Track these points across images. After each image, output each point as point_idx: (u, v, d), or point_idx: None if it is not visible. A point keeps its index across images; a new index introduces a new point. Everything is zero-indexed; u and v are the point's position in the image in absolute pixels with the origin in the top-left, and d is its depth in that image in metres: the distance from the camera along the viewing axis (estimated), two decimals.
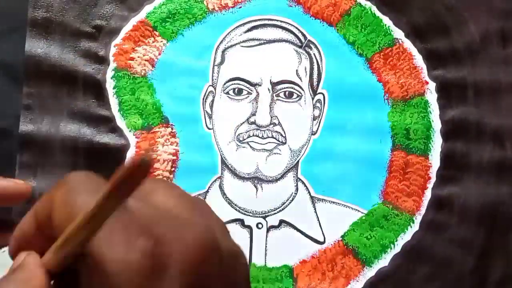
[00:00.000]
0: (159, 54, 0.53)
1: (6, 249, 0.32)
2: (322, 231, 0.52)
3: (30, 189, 0.34)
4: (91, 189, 0.27)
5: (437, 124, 0.54)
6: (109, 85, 0.52)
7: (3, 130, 0.51)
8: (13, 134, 0.51)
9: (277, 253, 0.51)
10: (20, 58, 0.52)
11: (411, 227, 0.52)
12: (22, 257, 0.29)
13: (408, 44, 0.55)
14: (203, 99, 0.53)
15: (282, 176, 0.52)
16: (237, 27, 0.54)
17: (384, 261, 0.52)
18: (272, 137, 0.52)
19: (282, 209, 0.52)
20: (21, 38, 0.52)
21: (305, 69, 0.54)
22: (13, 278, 0.28)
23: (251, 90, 0.53)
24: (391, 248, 0.52)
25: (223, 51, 0.54)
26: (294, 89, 0.53)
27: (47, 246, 0.28)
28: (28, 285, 0.27)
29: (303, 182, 0.52)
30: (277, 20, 0.55)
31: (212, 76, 0.53)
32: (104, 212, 0.24)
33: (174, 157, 0.52)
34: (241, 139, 0.52)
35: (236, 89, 0.53)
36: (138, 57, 0.53)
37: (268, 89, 0.53)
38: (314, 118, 0.53)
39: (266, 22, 0.54)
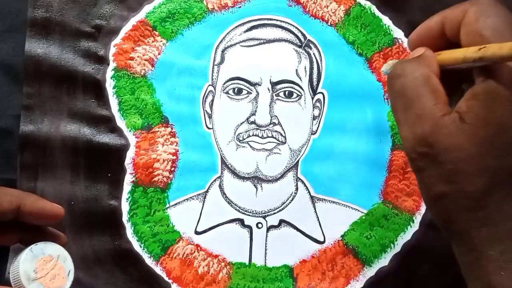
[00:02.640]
0: (159, 53, 0.53)
1: (39, 243, 0.36)
2: (322, 231, 0.52)
3: (63, 211, 0.39)
4: (500, 15, 0.34)
5: None
6: (109, 85, 0.52)
7: (4, 130, 0.51)
8: (14, 134, 0.51)
9: (277, 252, 0.51)
10: (20, 58, 0.52)
11: (411, 226, 0.52)
12: (421, 50, 0.37)
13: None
14: (203, 98, 0.53)
15: (282, 175, 0.52)
16: (236, 26, 0.54)
17: (384, 261, 0.52)
18: (272, 136, 0.52)
19: (282, 209, 0.52)
20: (21, 38, 0.52)
21: (305, 68, 0.54)
22: (413, 61, 0.37)
23: (251, 90, 0.53)
24: (391, 248, 0.52)
25: (222, 51, 0.54)
26: (294, 88, 0.53)
27: (440, 49, 0.36)
28: (426, 67, 0.36)
29: (303, 182, 0.52)
30: (277, 20, 0.55)
31: (212, 75, 0.53)
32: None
33: (174, 157, 0.52)
34: (241, 138, 0.52)
35: (236, 89, 0.53)
36: (138, 56, 0.53)
37: (268, 89, 0.53)
38: (314, 118, 0.53)
39: (266, 22, 0.54)
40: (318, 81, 0.54)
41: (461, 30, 0.36)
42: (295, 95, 0.53)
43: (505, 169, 0.33)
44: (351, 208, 0.53)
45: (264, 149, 0.52)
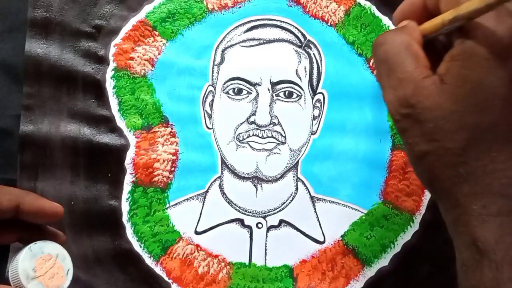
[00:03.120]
0: (159, 53, 0.53)
1: (38, 242, 0.36)
2: (322, 231, 0.52)
3: (63, 210, 0.39)
4: None
5: None
6: (109, 85, 0.52)
7: (4, 130, 0.51)
8: (14, 134, 0.51)
9: (277, 253, 0.51)
10: (20, 58, 0.52)
11: (411, 226, 0.52)
12: (405, 22, 0.39)
13: None
14: (203, 98, 0.53)
15: (282, 176, 0.52)
16: (236, 27, 0.54)
17: (384, 261, 0.52)
18: (272, 136, 0.52)
19: (282, 209, 0.52)
20: (21, 38, 0.52)
21: (305, 69, 0.54)
22: (395, 30, 0.39)
23: (251, 90, 0.53)
24: (391, 248, 0.52)
25: (222, 51, 0.54)
26: (294, 89, 0.53)
27: (423, 22, 0.38)
28: (407, 35, 0.37)
29: (303, 182, 0.52)
30: (277, 20, 0.55)
31: (212, 75, 0.53)
32: (480, 13, 0.33)
33: (174, 157, 0.52)
34: (240, 138, 0.52)
35: (236, 89, 0.53)
36: (138, 57, 0.53)
37: (268, 89, 0.53)
38: (314, 118, 0.53)
39: (266, 22, 0.54)
40: (318, 81, 0.54)
41: (441, 3, 0.37)
42: (295, 95, 0.53)
43: (483, 125, 0.34)
44: (351, 208, 0.53)
45: (264, 149, 0.52)
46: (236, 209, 0.52)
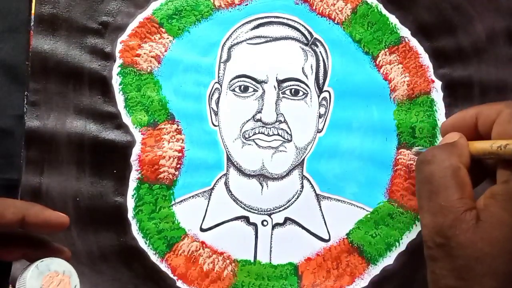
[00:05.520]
0: (165, 50, 0.53)
1: (45, 259, 0.36)
2: (327, 229, 0.52)
3: (68, 220, 0.38)
4: None
5: None
6: (115, 81, 0.52)
7: (4, 130, 0.51)
8: (14, 134, 0.51)
9: (282, 250, 0.51)
10: (20, 58, 0.52)
11: (416, 225, 0.52)
12: (455, 136, 0.39)
13: (414, 42, 0.55)
14: (209, 96, 0.53)
15: (288, 173, 0.52)
16: (243, 24, 0.54)
17: (389, 259, 0.52)
18: (278, 134, 0.52)
19: (288, 207, 0.52)
20: (21, 38, 0.52)
21: (311, 66, 0.54)
22: (445, 149, 0.38)
23: (257, 88, 0.53)
24: (396, 246, 0.52)
25: (229, 48, 0.54)
26: (300, 86, 0.53)
27: (471, 138, 0.38)
28: (457, 157, 0.37)
29: (308, 180, 0.52)
30: (284, 18, 0.55)
31: (218, 73, 0.53)
32: None
33: (180, 154, 0.52)
34: (246, 136, 0.52)
35: (242, 86, 0.53)
36: (144, 53, 0.53)
37: (274, 87, 0.53)
38: (320, 116, 0.53)
39: (273, 19, 0.54)
40: (324, 79, 0.54)
41: (493, 128, 0.37)
42: (301, 93, 0.53)
43: None
44: (356, 206, 0.53)
45: (270, 147, 0.52)
46: (241, 207, 0.52)
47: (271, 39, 0.54)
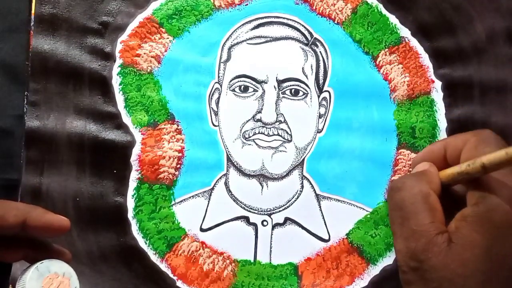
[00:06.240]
0: (165, 50, 0.53)
1: (45, 261, 0.36)
2: (327, 229, 0.52)
3: (69, 223, 0.38)
4: (499, 146, 0.36)
5: (442, 123, 0.54)
6: (115, 81, 0.52)
7: (4, 130, 0.51)
8: (14, 134, 0.51)
9: (282, 250, 0.51)
10: (20, 58, 0.52)
11: None
12: (425, 165, 0.40)
13: (414, 42, 0.55)
14: (209, 96, 0.53)
15: (288, 173, 0.52)
16: (243, 24, 0.54)
17: (388, 259, 0.52)
18: (278, 134, 0.52)
19: (287, 207, 0.52)
20: (21, 38, 0.52)
21: (311, 67, 0.54)
22: (414, 176, 0.39)
23: (257, 88, 0.53)
24: None
25: (229, 48, 0.54)
26: (300, 87, 0.53)
27: (441, 169, 0.39)
28: (426, 184, 0.37)
29: (308, 180, 0.53)
30: (284, 18, 0.55)
31: (218, 73, 0.53)
32: (502, 165, 0.33)
33: (180, 154, 0.52)
34: (246, 136, 0.52)
35: (242, 86, 0.53)
36: (144, 53, 0.53)
37: (274, 87, 0.53)
38: (320, 116, 0.53)
39: (273, 19, 0.54)
40: (324, 79, 0.54)
41: (462, 155, 0.38)
42: (301, 93, 0.53)
43: None
44: (356, 206, 0.53)
45: (270, 147, 0.52)
46: (241, 207, 0.52)
47: (271, 39, 0.54)
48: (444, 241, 0.34)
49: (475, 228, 0.34)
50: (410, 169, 0.53)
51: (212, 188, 0.52)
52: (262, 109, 0.53)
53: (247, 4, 0.55)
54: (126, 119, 0.52)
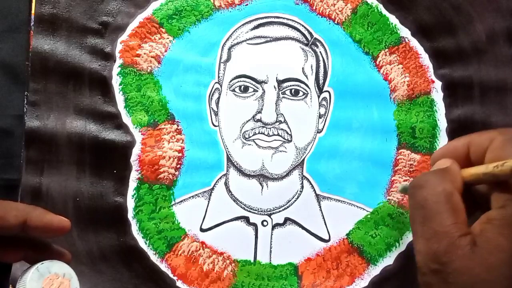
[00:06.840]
0: (165, 51, 0.53)
1: (45, 262, 0.36)
2: (327, 229, 0.52)
3: (70, 224, 0.38)
4: None
5: (442, 123, 0.54)
6: (115, 81, 0.52)
7: (4, 130, 0.51)
8: (14, 134, 0.51)
9: (282, 250, 0.51)
10: (20, 58, 0.52)
11: None
12: (447, 162, 0.38)
13: (414, 42, 0.55)
14: (209, 96, 0.53)
15: (288, 173, 0.52)
16: (243, 24, 0.54)
17: (389, 260, 0.52)
18: (278, 134, 0.52)
19: (287, 207, 0.52)
20: (21, 38, 0.52)
21: (311, 67, 0.54)
22: (438, 174, 0.37)
23: (257, 88, 0.53)
24: (396, 247, 0.52)
25: (229, 48, 0.54)
26: (300, 87, 0.53)
27: (462, 167, 0.38)
28: (450, 182, 0.36)
29: (308, 180, 0.52)
30: (284, 18, 0.55)
31: (218, 73, 0.53)
32: None
33: (180, 154, 0.52)
34: (246, 136, 0.52)
35: (242, 87, 0.53)
36: (144, 53, 0.53)
37: (274, 87, 0.53)
38: (320, 116, 0.53)
39: (273, 19, 0.54)
40: (324, 80, 0.54)
41: (487, 155, 0.36)
42: (301, 93, 0.53)
43: None
44: (356, 206, 0.53)
45: (270, 147, 0.52)
46: (241, 207, 0.52)
47: (271, 39, 0.54)
48: (468, 244, 0.33)
49: (502, 231, 0.33)
50: (411, 169, 0.53)
51: (212, 188, 0.52)
52: (262, 109, 0.53)
53: (247, 4, 0.55)
54: (126, 119, 0.52)
